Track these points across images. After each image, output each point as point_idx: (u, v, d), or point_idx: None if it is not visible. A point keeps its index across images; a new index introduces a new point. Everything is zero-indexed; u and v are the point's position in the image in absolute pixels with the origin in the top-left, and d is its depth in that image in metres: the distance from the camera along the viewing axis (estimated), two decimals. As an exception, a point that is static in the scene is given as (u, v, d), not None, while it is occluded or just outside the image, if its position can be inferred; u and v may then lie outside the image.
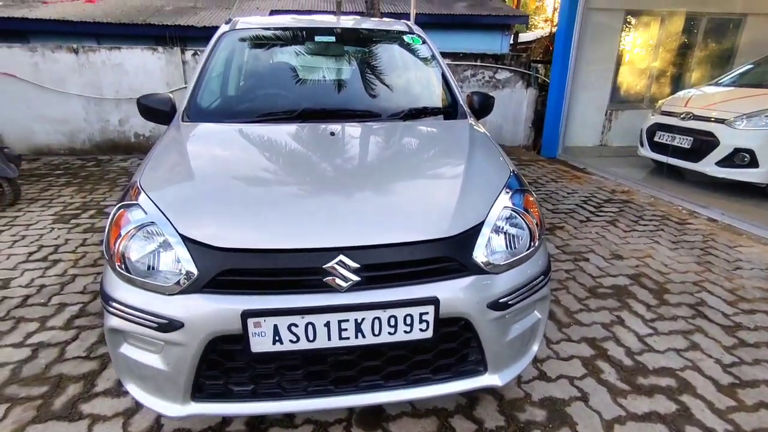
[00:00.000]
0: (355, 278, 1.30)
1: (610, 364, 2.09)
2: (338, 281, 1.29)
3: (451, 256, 1.39)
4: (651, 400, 1.88)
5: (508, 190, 1.60)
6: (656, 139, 5.20)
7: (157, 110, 2.19)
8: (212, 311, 1.27)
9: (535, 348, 1.65)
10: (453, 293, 1.36)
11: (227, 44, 2.43)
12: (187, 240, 1.32)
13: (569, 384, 1.96)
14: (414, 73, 2.53)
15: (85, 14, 9.14)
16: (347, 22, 2.75)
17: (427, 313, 1.32)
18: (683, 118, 4.84)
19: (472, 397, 1.86)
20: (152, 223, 1.37)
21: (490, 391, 1.89)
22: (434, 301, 1.32)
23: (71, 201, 4.35)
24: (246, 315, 1.24)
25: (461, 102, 2.32)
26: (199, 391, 1.39)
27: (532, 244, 1.54)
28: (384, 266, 1.34)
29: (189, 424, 1.72)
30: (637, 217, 4.08)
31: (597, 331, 2.34)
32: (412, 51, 2.59)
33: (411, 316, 1.32)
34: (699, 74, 6.79)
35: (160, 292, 1.31)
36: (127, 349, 1.40)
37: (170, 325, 1.28)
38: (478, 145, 1.90)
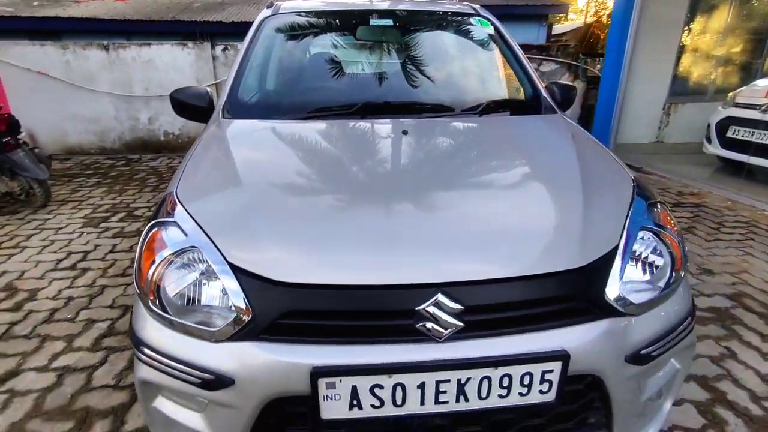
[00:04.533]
0: (458, 324, 0.98)
1: (734, 412, 1.71)
2: (436, 327, 0.97)
3: (579, 293, 1.05)
4: (801, 465, 1.49)
5: (637, 204, 1.24)
6: (729, 134, 4.67)
7: (192, 106, 1.91)
8: (273, 366, 0.97)
9: (668, 407, 1.29)
10: (584, 343, 1.02)
11: (270, 30, 2.14)
12: (238, 271, 1.02)
13: (689, 438, 1.59)
14: (485, 61, 2.18)
15: (115, 12, 9.10)
16: (405, 3, 2.41)
17: (551, 371, 0.99)
18: (765, 111, 4.30)
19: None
20: (193, 247, 1.08)
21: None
22: (563, 357, 0.98)
23: (101, 203, 4.18)
24: (317, 374, 0.94)
25: (544, 93, 1.96)
26: (253, 459, 1.09)
27: (675, 273, 1.18)
28: (495, 308, 1.02)
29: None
30: (718, 224, 3.62)
31: (706, 367, 1.95)
32: (481, 36, 2.24)
33: (530, 374, 0.99)
34: (773, 62, 6.15)
35: (204, 338, 1.02)
36: (162, 404, 1.12)
37: (217, 381, 0.99)
38: (585, 146, 1.54)
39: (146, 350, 1.07)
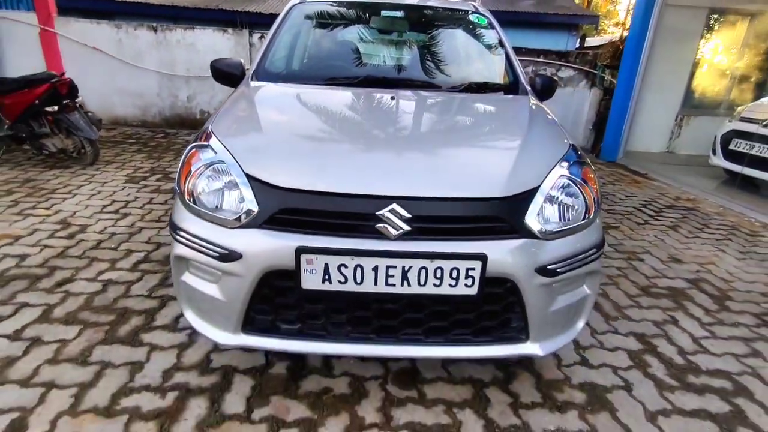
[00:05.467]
0: (406, 228, 1.33)
1: (658, 360, 2.00)
2: (389, 229, 1.33)
3: (502, 216, 1.39)
4: (701, 398, 1.78)
5: (565, 161, 1.57)
6: (732, 147, 4.85)
7: (228, 73, 2.32)
8: (269, 246, 1.35)
9: (580, 324, 1.62)
10: (501, 253, 1.36)
11: (297, 15, 2.54)
12: (250, 178, 1.41)
13: (612, 373, 1.89)
14: (476, 51, 2.52)
15: (165, -1, 9.78)
16: None
17: (473, 268, 1.33)
18: (766, 125, 4.47)
19: (509, 372, 1.84)
20: (221, 161, 1.47)
21: (528, 368, 1.87)
22: (482, 258, 1.32)
23: (141, 166, 4.69)
24: (300, 251, 1.31)
25: (523, 81, 2.30)
26: (250, 324, 1.48)
27: (587, 215, 1.51)
28: (435, 219, 1.37)
29: (236, 361, 1.83)
30: (702, 225, 3.84)
31: (647, 328, 2.24)
32: (477, 30, 2.58)
33: (457, 269, 1.33)
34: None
35: (223, 225, 1.41)
36: (189, 278, 1.52)
37: (230, 255, 1.37)
38: (537, 118, 1.88)
39: (181, 233, 1.46)
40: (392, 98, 1.93)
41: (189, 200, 1.47)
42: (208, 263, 1.43)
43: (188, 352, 1.88)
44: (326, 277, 1.34)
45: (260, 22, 9.18)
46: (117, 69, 6.46)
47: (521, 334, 1.51)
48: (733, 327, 2.29)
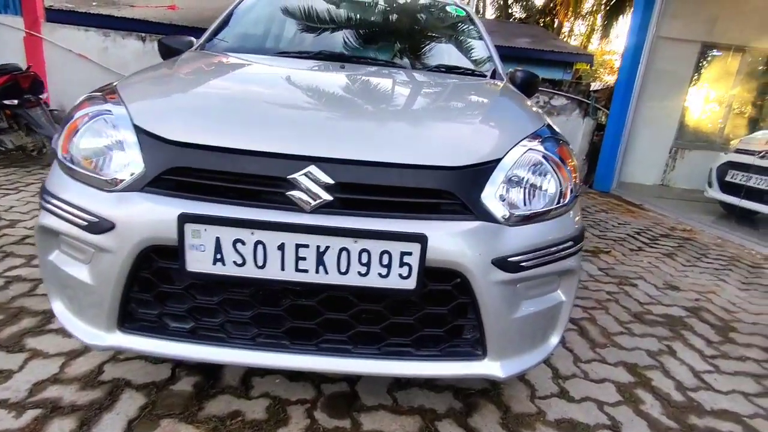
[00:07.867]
0: (327, 197, 1.03)
1: (653, 395, 1.65)
2: (304, 197, 1.03)
3: (452, 192, 1.09)
4: (707, 445, 1.43)
5: (538, 136, 1.29)
6: (728, 178, 4.62)
7: (176, 50, 2.07)
8: (148, 213, 1.04)
9: (553, 341, 1.29)
10: (447, 237, 1.05)
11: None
12: (139, 131, 1.12)
13: (597, 409, 1.54)
14: (453, 42, 2.28)
15: (164, 17, 9.84)
16: None
17: (410, 253, 1.02)
18: (762, 156, 4.27)
19: (469, 402, 1.49)
20: (108, 111, 1.18)
21: (494, 398, 1.52)
22: (421, 239, 1.02)
23: (106, 169, 4.41)
24: (183, 219, 1.00)
25: (501, 70, 2.05)
26: (129, 320, 1.15)
27: (562, 200, 1.21)
28: (364, 189, 1.07)
29: (132, 374, 1.48)
30: (700, 255, 3.54)
31: (640, 358, 1.90)
32: (454, 22, 2.37)
33: (389, 254, 1.02)
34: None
35: (99, 188, 1.11)
36: (58, 258, 1.19)
37: (98, 225, 1.06)
38: (510, 96, 1.61)
39: (49, 198, 1.16)
40: (342, 67, 1.66)
41: (65, 157, 1.17)
42: (77, 237, 1.11)
43: (78, 361, 1.53)
44: (218, 256, 1.02)
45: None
46: (101, 77, 6.30)
47: (476, 348, 1.18)
48: (739, 361, 1.95)
